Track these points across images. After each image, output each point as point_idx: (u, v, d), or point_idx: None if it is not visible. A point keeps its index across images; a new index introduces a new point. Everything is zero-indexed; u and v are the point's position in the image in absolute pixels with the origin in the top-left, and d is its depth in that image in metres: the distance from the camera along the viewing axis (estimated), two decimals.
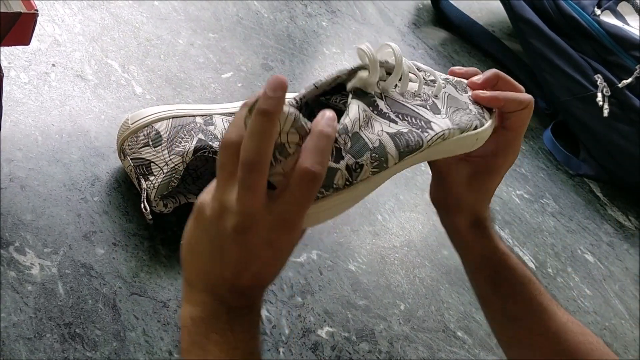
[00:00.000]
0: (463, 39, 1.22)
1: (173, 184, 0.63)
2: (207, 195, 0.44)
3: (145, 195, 0.62)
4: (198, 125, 0.65)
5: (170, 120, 0.65)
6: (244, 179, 0.40)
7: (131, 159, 0.64)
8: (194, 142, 0.63)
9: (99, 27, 0.82)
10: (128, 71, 0.78)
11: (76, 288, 0.59)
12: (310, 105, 0.48)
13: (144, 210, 0.61)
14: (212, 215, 0.42)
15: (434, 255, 0.79)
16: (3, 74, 0.58)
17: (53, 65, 0.74)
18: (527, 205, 0.93)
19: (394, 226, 0.80)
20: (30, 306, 0.56)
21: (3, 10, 0.55)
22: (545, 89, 1.13)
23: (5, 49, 0.71)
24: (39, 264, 0.59)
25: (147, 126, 0.64)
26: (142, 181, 0.63)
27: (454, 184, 0.58)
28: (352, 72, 0.47)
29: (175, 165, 0.62)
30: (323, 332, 0.66)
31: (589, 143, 1.09)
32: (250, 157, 0.40)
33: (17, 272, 0.57)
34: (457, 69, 0.56)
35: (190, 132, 0.64)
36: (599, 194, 1.05)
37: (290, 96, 0.44)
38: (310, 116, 0.43)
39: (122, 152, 0.65)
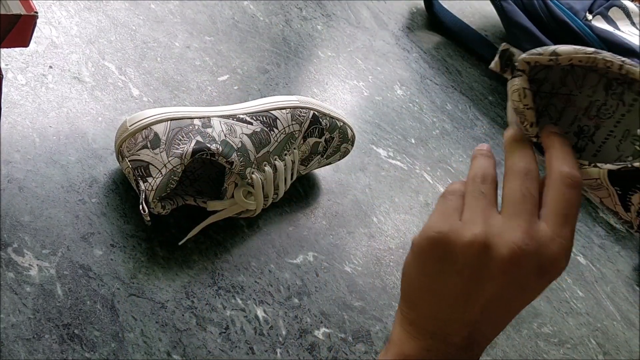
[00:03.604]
0: (456, 42, 1.23)
1: (171, 186, 0.63)
2: (443, 222, 0.42)
3: (143, 197, 0.62)
4: (196, 127, 0.65)
5: (169, 122, 0.65)
6: (526, 209, 0.41)
7: (129, 161, 0.64)
8: (192, 145, 0.64)
9: (96, 30, 0.82)
10: (125, 73, 0.79)
11: (74, 289, 0.59)
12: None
13: (142, 211, 0.62)
14: (473, 249, 0.40)
15: None
16: (2, 75, 0.58)
17: (50, 67, 0.75)
18: None
19: (389, 228, 0.80)
20: (29, 307, 0.56)
21: (2, 11, 0.55)
22: None
23: (2, 51, 0.71)
24: (37, 265, 0.59)
25: (145, 128, 0.65)
26: (141, 183, 0.63)
27: None
28: None
29: (174, 167, 0.63)
30: (319, 333, 0.66)
31: None
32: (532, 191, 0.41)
33: (15, 274, 0.57)
34: None
35: (189, 135, 0.64)
36: None
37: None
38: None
39: (120, 154, 0.65)
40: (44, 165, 0.66)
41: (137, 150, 0.64)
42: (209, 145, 0.64)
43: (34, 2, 0.56)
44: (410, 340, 0.43)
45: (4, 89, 0.69)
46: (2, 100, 0.66)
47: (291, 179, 0.73)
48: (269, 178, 0.68)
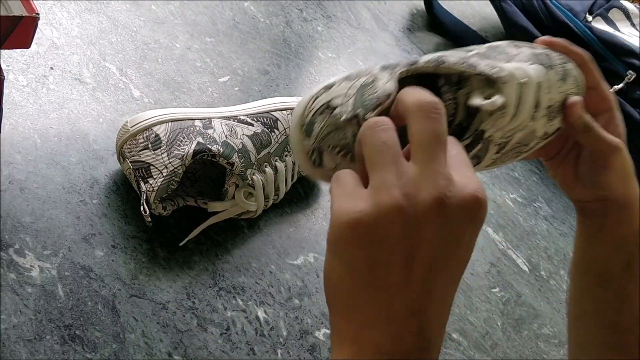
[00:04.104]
0: (457, 44, 1.23)
1: (172, 187, 0.63)
2: (352, 202, 0.35)
3: (144, 197, 0.62)
4: (197, 128, 0.66)
5: (170, 123, 0.65)
6: (440, 150, 0.35)
7: (130, 162, 0.64)
8: (193, 146, 0.64)
9: (97, 31, 0.82)
10: (126, 74, 0.79)
11: (76, 290, 0.59)
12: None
13: (143, 212, 0.62)
14: (398, 216, 0.33)
15: None
16: (4, 76, 0.58)
17: (51, 68, 0.75)
18: (521, 209, 0.94)
19: None
20: (30, 308, 0.56)
21: (3, 12, 0.56)
22: None
23: (3, 52, 0.71)
24: (38, 266, 0.59)
25: (146, 129, 0.65)
26: (142, 184, 0.63)
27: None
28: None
29: (175, 168, 0.63)
30: (320, 334, 0.66)
31: None
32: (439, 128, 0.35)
33: (17, 274, 0.58)
34: (546, 38, 0.53)
35: (190, 136, 0.65)
36: None
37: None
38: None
39: (121, 155, 0.66)
40: (45, 167, 0.66)
41: (138, 152, 0.64)
42: (210, 146, 0.64)
43: (35, 3, 0.56)
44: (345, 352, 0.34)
45: (5, 90, 0.69)
46: (4, 102, 0.66)
47: (292, 180, 0.73)
48: (270, 179, 0.68)
